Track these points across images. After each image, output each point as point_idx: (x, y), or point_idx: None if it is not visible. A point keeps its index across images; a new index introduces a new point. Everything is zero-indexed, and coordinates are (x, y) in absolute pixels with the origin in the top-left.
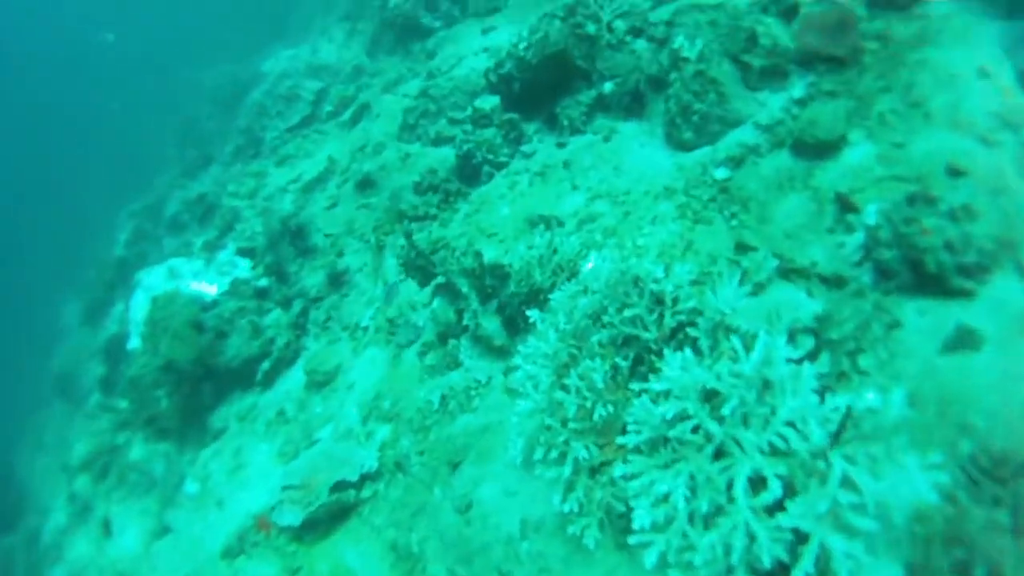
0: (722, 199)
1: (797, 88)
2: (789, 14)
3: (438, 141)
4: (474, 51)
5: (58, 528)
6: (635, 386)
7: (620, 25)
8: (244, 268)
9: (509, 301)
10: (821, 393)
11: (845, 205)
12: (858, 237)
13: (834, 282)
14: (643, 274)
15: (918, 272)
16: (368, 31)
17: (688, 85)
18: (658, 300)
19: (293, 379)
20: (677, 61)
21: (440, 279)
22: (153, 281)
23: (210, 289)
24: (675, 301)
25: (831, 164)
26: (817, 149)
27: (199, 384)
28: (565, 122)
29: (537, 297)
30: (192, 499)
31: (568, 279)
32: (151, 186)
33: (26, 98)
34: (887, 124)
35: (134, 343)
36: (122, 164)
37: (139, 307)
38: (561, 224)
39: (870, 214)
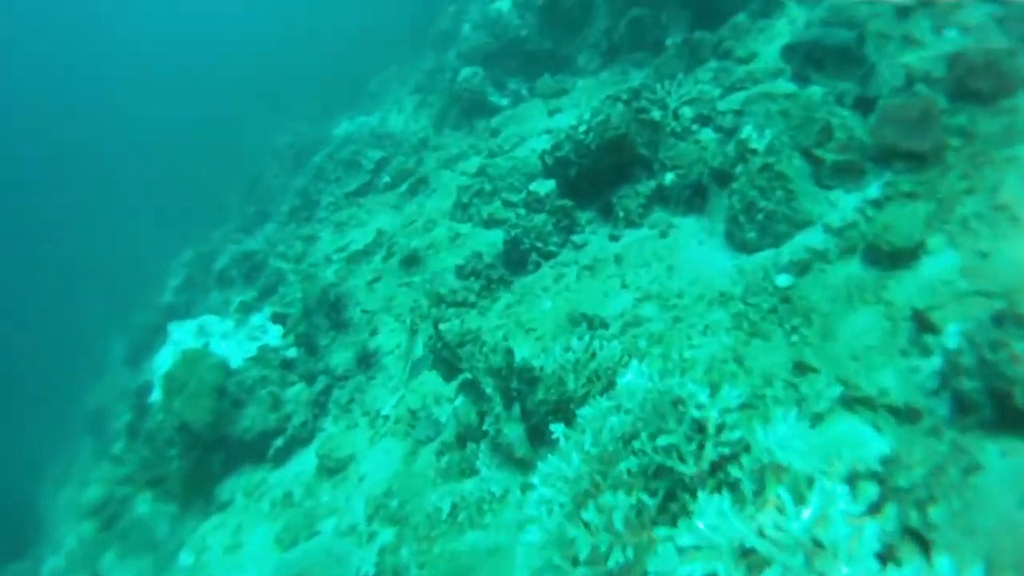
0: (783, 310)
1: (873, 187)
2: (866, 106)
3: (490, 223)
4: (537, 132)
5: (56, 571)
6: (661, 531)
7: (687, 112)
8: (275, 335)
9: (536, 409)
10: (883, 557)
11: (923, 324)
12: (935, 362)
13: (906, 415)
14: (685, 396)
15: (1003, 406)
16: (437, 104)
17: (754, 180)
18: (699, 427)
19: (305, 461)
20: (744, 153)
21: (466, 375)
22: (182, 336)
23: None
24: (719, 430)
25: (907, 275)
26: (892, 257)
27: (211, 450)
28: (621, 213)
29: (567, 407)
30: (185, 571)
31: (604, 389)
32: (210, 236)
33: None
34: (971, 230)
35: (156, 396)
36: (191, 210)
37: (165, 361)
38: (605, 325)
39: (951, 336)
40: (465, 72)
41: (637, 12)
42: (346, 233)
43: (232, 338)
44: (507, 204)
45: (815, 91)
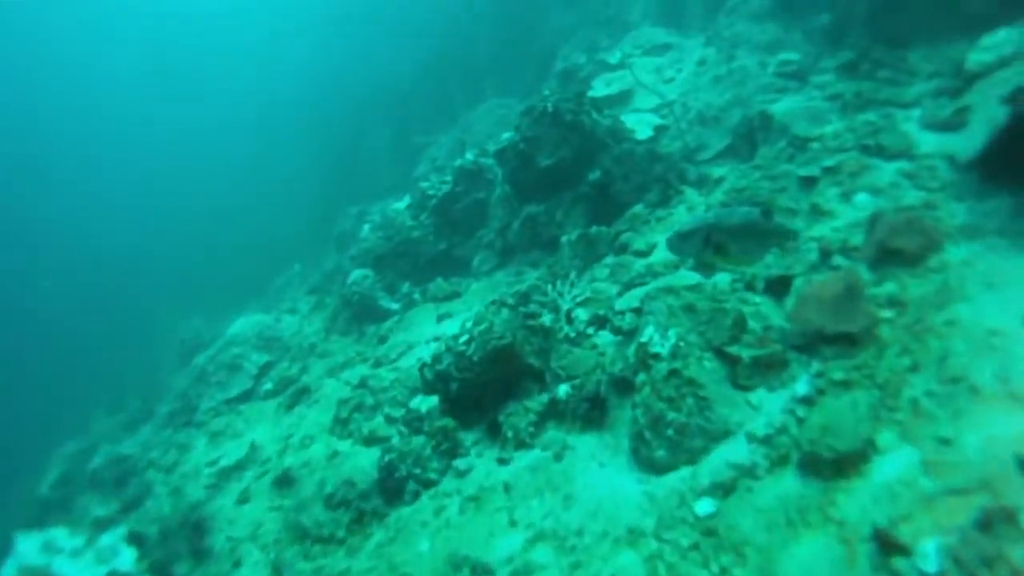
0: (707, 545)
1: (801, 382)
2: (779, 289)
3: (371, 440)
4: (426, 339)
5: None
6: None
7: (581, 314)
8: (127, 559)
9: None
10: None
11: (887, 544)
12: None
13: None
14: None
15: None
16: (331, 307)
17: (660, 389)
18: None
19: None
20: (646, 359)
21: None
22: (27, 549)
23: None
24: None
25: (858, 484)
26: (836, 464)
27: None
28: (509, 433)
29: None
30: None
31: None
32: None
33: None
34: (924, 415)
35: None
36: (95, 396)
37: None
38: (490, 573)
39: (927, 556)
40: (355, 275)
41: (532, 210)
42: (221, 444)
43: (81, 557)
44: (390, 420)
45: (722, 279)
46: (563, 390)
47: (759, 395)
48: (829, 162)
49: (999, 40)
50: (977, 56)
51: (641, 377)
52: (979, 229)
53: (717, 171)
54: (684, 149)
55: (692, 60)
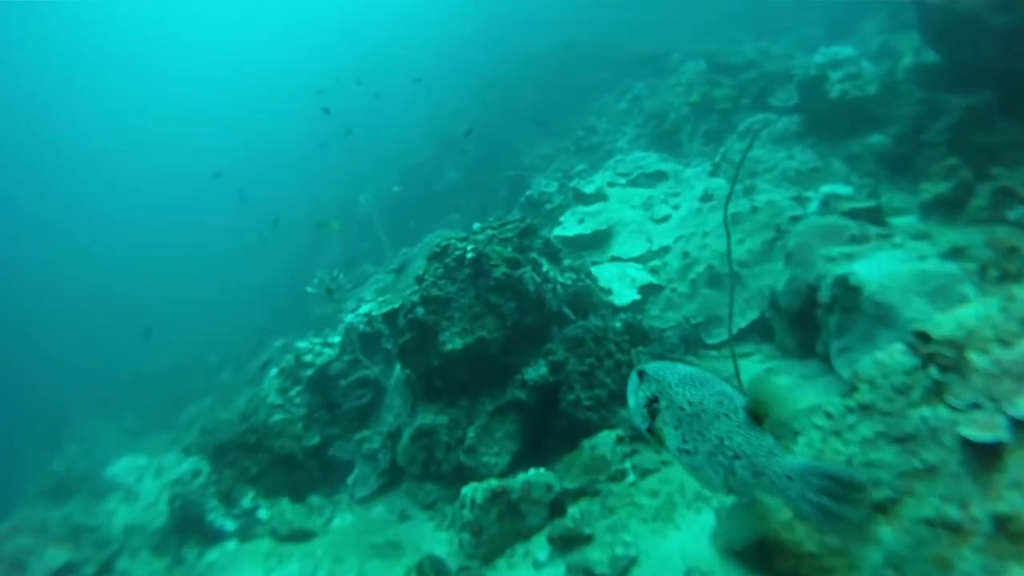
0: None
1: None
2: None
3: None
4: None
5: None
6: None
7: None
8: None
9: None
10: None
11: None
12: None
13: None
14: None
15: None
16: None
17: None
18: None
19: None
20: None
21: None
22: None
23: None
24: None
25: None
26: None
27: None
28: None
29: None
30: None
31: None
32: None
33: None
34: None
35: None
36: None
37: None
38: None
39: None
40: (186, 468)
41: (428, 420)
42: None
43: None
44: None
45: None
46: None
47: None
48: None
49: None
50: None
51: None
52: None
53: (752, 371)
54: (685, 326)
55: (694, 193)
